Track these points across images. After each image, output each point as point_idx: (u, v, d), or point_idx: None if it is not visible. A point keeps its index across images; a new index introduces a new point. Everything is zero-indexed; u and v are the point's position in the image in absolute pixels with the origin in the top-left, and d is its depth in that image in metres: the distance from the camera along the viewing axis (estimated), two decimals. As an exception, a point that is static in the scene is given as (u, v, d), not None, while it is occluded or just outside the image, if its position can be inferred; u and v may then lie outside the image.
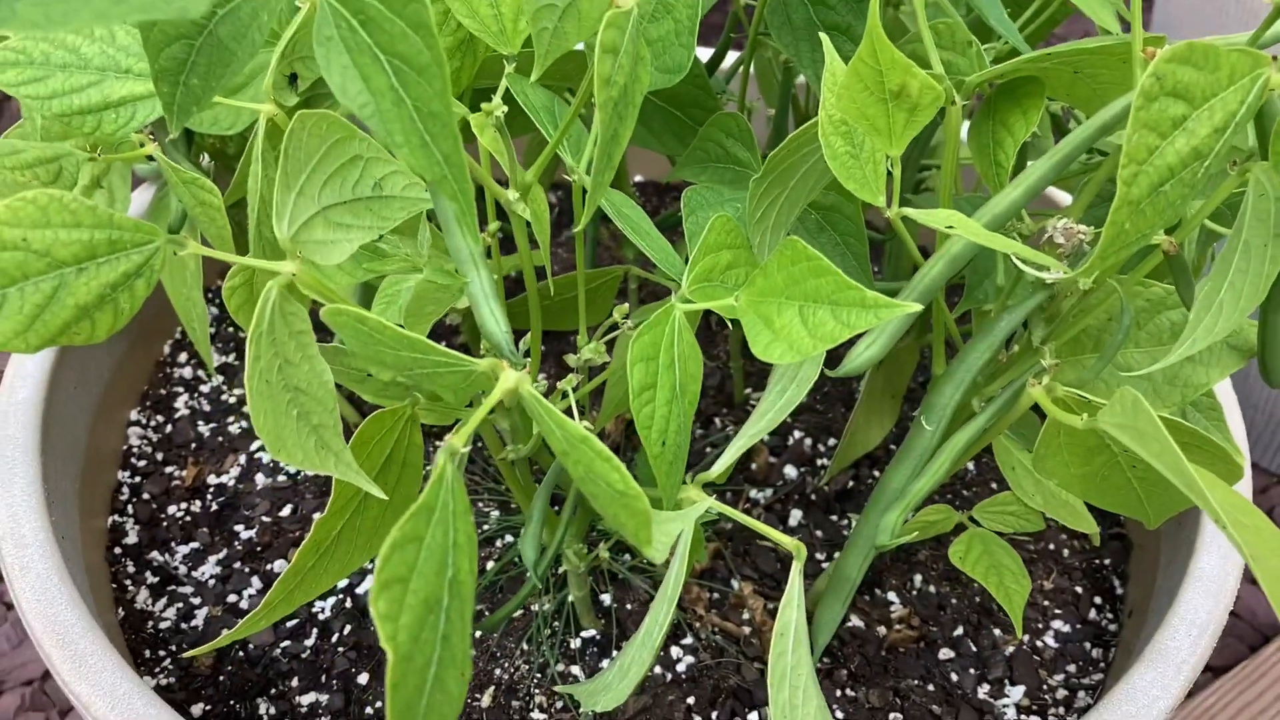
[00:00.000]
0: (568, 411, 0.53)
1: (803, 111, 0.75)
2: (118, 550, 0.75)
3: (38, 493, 0.64)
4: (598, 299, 0.70)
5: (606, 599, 0.73)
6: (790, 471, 0.81)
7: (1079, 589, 0.76)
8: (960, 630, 0.72)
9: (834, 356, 0.77)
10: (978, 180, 0.86)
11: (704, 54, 0.86)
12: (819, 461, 0.82)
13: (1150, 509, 0.56)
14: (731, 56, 0.89)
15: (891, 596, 0.74)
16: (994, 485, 0.82)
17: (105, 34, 0.49)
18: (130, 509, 0.78)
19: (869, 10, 0.42)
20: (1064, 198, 0.87)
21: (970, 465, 0.83)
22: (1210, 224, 0.56)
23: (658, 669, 0.69)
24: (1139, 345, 0.60)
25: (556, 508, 0.63)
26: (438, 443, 0.82)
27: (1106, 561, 0.78)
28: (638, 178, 1.07)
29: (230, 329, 0.90)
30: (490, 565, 0.74)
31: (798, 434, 0.83)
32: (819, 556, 0.76)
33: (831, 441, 0.83)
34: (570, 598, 0.70)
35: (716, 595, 0.74)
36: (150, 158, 0.61)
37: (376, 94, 0.38)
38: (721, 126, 0.62)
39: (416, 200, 0.48)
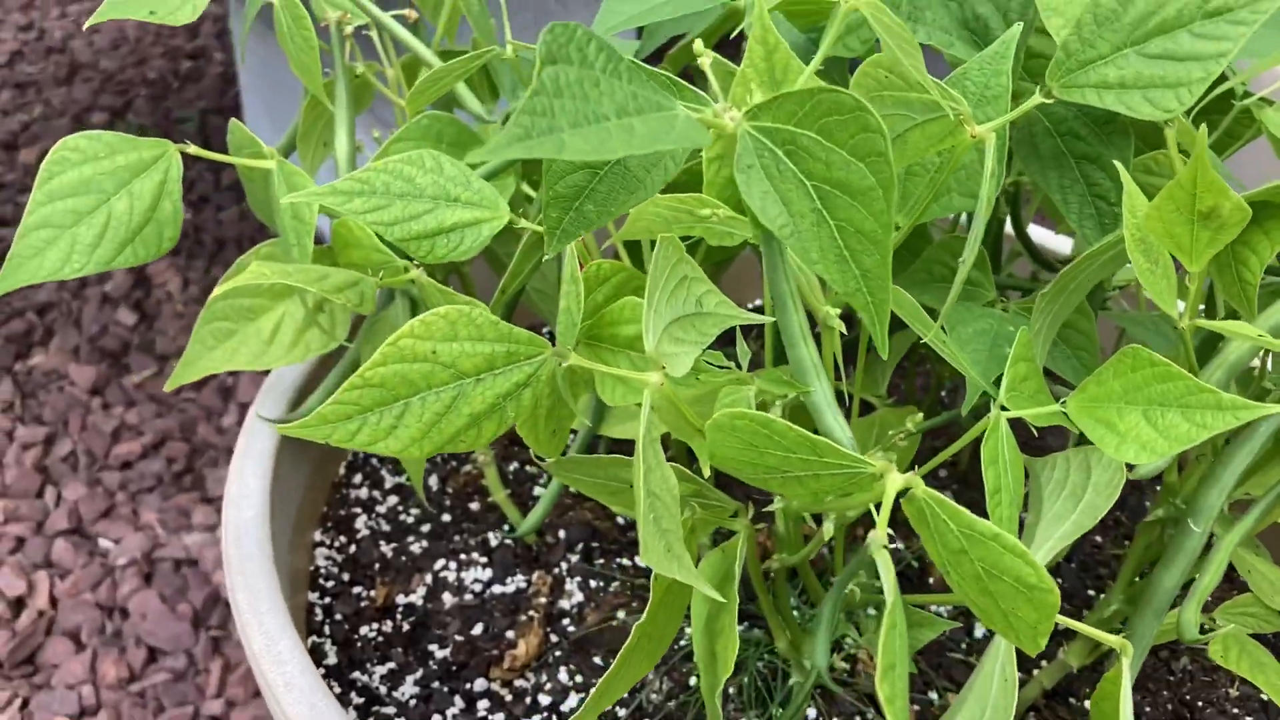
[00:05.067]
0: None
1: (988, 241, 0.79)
2: (320, 671, 0.75)
3: (284, 611, 0.65)
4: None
5: (812, 713, 0.73)
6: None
7: (1264, 695, 0.78)
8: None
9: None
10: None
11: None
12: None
13: (1399, 607, 0.59)
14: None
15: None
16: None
17: (434, 165, 0.53)
18: (326, 629, 0.78)
19: (1196, 142, 0.46)
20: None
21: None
22: None
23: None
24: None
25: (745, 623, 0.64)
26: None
27: (1284, 667, 0.80)
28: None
29: (396, 451, 0.92)
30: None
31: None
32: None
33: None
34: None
35: (916, 707, 0.75)
36: (412, 281, 0.64)
37: (796, 215, 0.41)
38: (949, 248, 0.66)
39: (729, 316, 0.51)
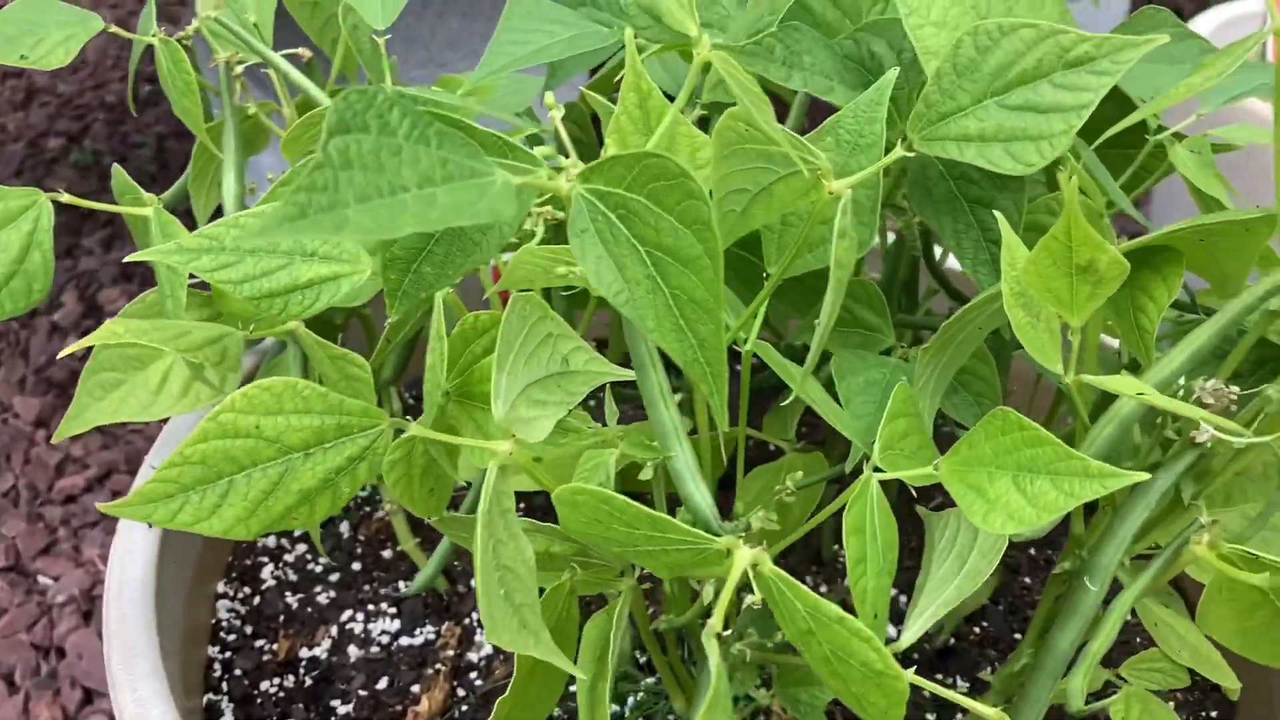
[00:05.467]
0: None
1: (902, 277, 0.77)
2: (216, 731, 0.73)
3: (161, 676, 0.62)
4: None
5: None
6: (890, 632, 0.80)
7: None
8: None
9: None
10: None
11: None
12: (916, 618, 0.82)
13: (1306, 662, 0.57)
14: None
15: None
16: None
17: (290, 218, 0.50)
18: (224, 686, 0.75)
19: (1066, 190, 0.44)
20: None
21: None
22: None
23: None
24: (1267, 495, 0.62)
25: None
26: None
27: (1214, 714, 0.78)
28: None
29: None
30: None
31: (893, 591, 0.83)
32: (929, 717, 0.76)
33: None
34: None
35: (834, 762, 0.72)
36: (291, 332, 0.62)
37: (631, 282, 0.39)
38: (850, 293, 0.64)
39: (599, 374, 0.49)
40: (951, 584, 0.50)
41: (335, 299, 0.50)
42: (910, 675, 0.48)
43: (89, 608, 1.13)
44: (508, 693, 0.50)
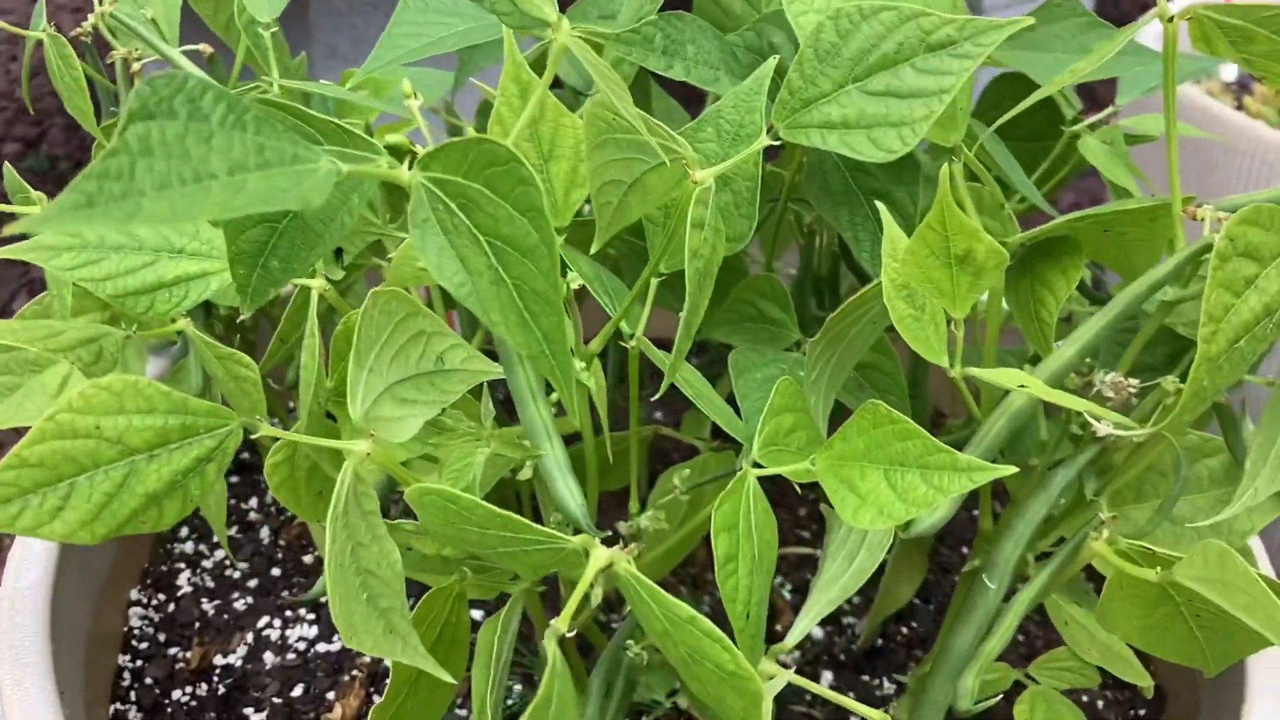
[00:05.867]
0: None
1: (816, 272, 0.76)
2: (122, 742, 0.71)
3: (51, 686, 0.61)
4: (625, 461, 0.69)
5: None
6: (817, 632, 0.79)
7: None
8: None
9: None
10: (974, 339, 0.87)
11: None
12: (844, 620, 0.81)
13: (1211, 657, 0.56)
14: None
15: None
16: (1018, 641, 0.81)
17: (158, 214, 0.49)
18: (133, 695, 0.74)
19: (939, 179, 0.43)
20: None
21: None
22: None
23: None
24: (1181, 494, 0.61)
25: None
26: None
27: (1142, 713, 0.77)
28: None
29: (232, 500, 0.88)
30: (518, 742, 0.71)
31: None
32: None
33: (855, 599, 0.82)
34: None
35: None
36: (180, 333, 0.60)
37: (474, 273, 0.38)
38: (755, 288, 0.63)
39: (477, 373, 0.48)
40: (839, 583, 0.49)
41: (204, 296, 0.49)
42: (790, 675, 0.47)
43: None
44: (384, 700, 0.49)
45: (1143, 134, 0.70)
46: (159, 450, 0.41)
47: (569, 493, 0.45)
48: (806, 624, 0.48)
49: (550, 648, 0.35)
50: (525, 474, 0.49)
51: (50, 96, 2.02)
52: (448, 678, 0.45)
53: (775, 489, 0.63)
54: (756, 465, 0.47)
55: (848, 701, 0.46)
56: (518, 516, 0.39)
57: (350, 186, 0.40)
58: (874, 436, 0.43)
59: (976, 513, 0.90)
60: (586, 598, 0.38)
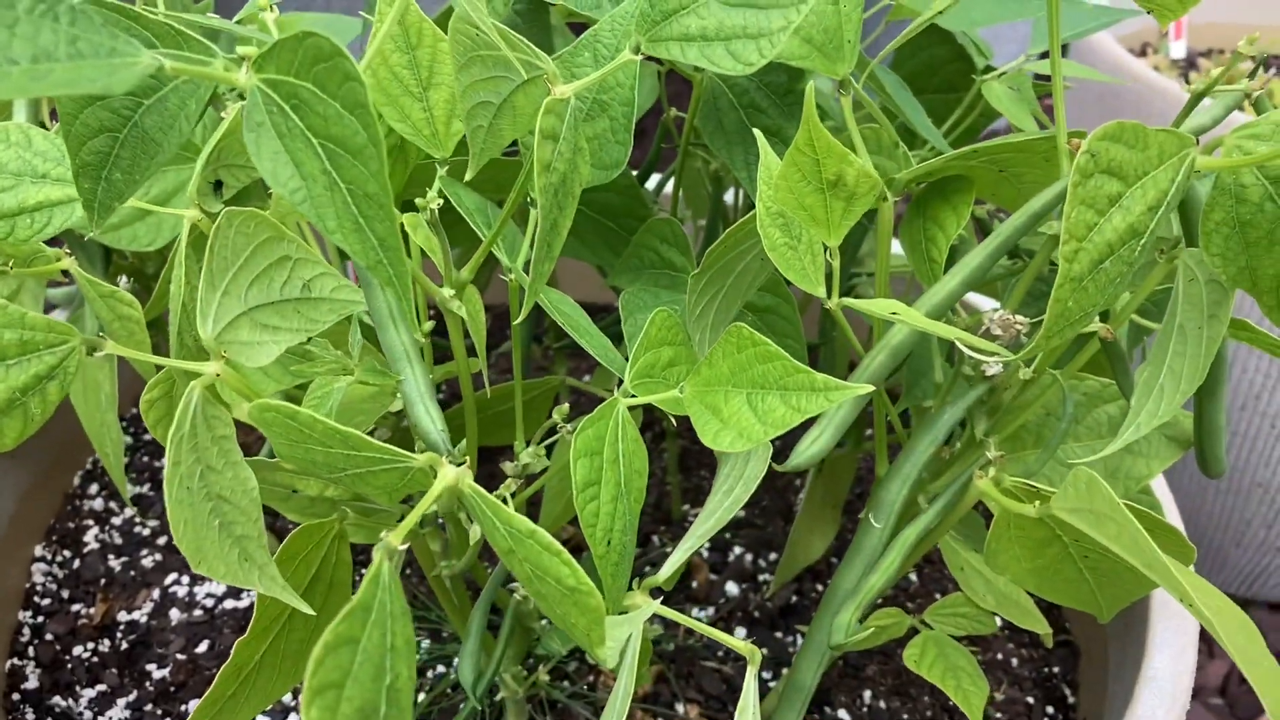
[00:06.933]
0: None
1: (730, 220, 0.76)
2: (15, 696, 0.70)
3: (-70, 632, 0.59)
4: (533, 412, 0.68)
5: (546, 728, 0.69)
6: (732, 588, 0.79)
7: (1030, 699, 0.74)
8: (915, 746, 0.69)
9: (779, 454, 0.76)
10: (906, 286, 0.87)
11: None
12: (760, 577, 0.80)
13: (1103, 600, 0.55)
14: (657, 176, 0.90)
15: (842, 714, 0.71)
16: (937, 595, 0.80)
17: (21, 138, 0.48)
18: (31, 651, 0.73)
19: (805, 102, 0.42)
20: (985, 303, 0.88)
21: (913, 576, 0.82)
22: (1138, 319, 0.56)
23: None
24: (1078, 439, 0.60)
25: (493, 633, 0.60)
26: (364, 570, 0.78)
27: (1056, 670, 0.76)
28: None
29: (145, 458, 0.86)
30: (422, 697, 0.70)
31: (738, 550, 0.81)
32: (765, 675, 0.74)
33: (773, 556, 0.81)
34: (508, 727, 0.67)
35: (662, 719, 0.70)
36: (65, 272, 0.59)
37: (308, 179, 0.37)
38: (655, 232, 0.62)
39: (346, 303, 0.47)
40: (714, 516, 0.48)
41: (67, 223, 0.48)
42: (656, 606, 0.46)
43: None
44: (248, 634, 0.48)
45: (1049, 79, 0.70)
46: (-7, 366, 0.40)
47: (428, 417, 0.44)
48: (681, 555, 0.48)
49: (378, 558, 0.34)
50: (396, 405, 0.48)
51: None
52: (303, 606, 0.44)
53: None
54: (629, 395, 0.46)
55: (710, 630, 0.45)
56: (357, 433, 0.38)
57: (187, 92, 0.39)
58: (738, 360, 0.43)
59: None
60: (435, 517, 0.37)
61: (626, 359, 0.49)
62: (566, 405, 0.51)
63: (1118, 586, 0.54)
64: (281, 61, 0.36)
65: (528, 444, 0.54)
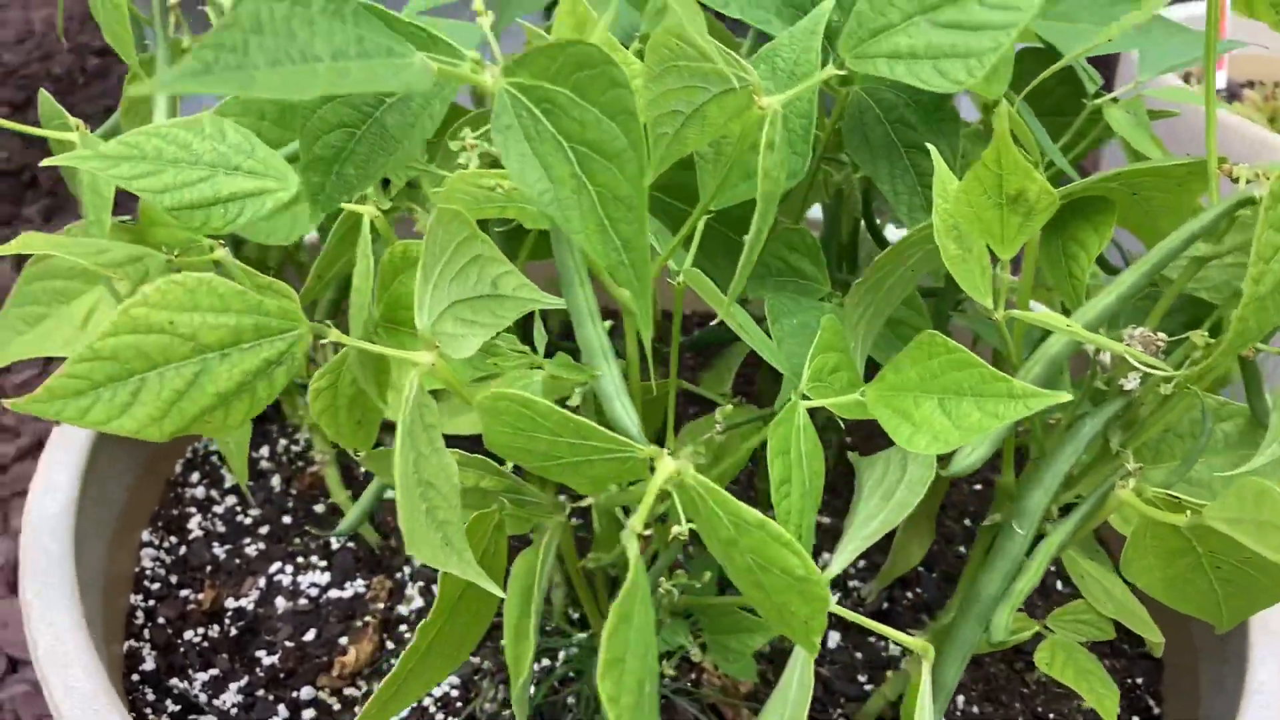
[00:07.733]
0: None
1: (842, 239, 0.77)
2: (135, 677, 0.71)
3: (78, 608, 0.61)
4: (656, 408, 0.70)
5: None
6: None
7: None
8: (1011, 750, 0.71)
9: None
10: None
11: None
12: (849, 583, 0.82)
13: (1226, 611, 0.57)
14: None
15: (938, 717, 0.73)
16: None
17: (215, 131, 0.50)
18: (147, 634, 0.74)
19: (996, 118, 0.44)
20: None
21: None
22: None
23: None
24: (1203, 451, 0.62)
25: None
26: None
27: (1140, 680, 0.78)
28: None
29: (242, 449, 0.88)
30: (533, 689, 0.72)
31: (826, 555, 0.83)
32: (861, 678, 0.75)
33: (861, 563, 0.83)
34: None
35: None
36: (218, 262, 0.60)
37: (556, 181, 0.38)
38: (785, 241, 0.64)
39: (529, 300, 0.49)
40: (877, 518, 0.50)
41: (259, 215, 0.49)
42: (833, 605, 0.48)
43: (14, 578, 1.10)
44: (430, 616, 0.49)
45: (1166, 111, 0.72)
46: (230, 349, 0.41)
47: (625, 412, 0.46)
48: (848, 555, 0.49)
49: (631, 548, 0.36)
50: (574, 400, 0.50)
51: (38, 63, 2.01)
52: (498, 591, 0.45)
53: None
54: (805, 398, 0.48)
55: (887, 629, 0.47)
56: (589, 422, 0.39)
57: (432, 92, 0.41)
58: (928, 367, 0.45)
59: (979, 486, 0.92)
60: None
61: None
62: (729, 408, 0.53)
63: (1244, 598, 0.56)
64: (536, 67, 0.38)
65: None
